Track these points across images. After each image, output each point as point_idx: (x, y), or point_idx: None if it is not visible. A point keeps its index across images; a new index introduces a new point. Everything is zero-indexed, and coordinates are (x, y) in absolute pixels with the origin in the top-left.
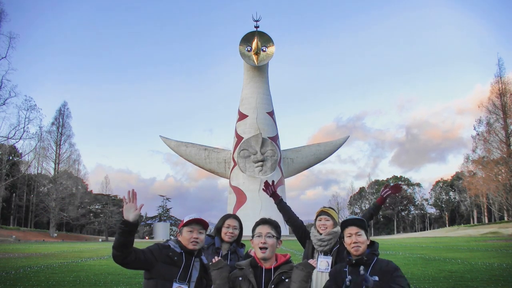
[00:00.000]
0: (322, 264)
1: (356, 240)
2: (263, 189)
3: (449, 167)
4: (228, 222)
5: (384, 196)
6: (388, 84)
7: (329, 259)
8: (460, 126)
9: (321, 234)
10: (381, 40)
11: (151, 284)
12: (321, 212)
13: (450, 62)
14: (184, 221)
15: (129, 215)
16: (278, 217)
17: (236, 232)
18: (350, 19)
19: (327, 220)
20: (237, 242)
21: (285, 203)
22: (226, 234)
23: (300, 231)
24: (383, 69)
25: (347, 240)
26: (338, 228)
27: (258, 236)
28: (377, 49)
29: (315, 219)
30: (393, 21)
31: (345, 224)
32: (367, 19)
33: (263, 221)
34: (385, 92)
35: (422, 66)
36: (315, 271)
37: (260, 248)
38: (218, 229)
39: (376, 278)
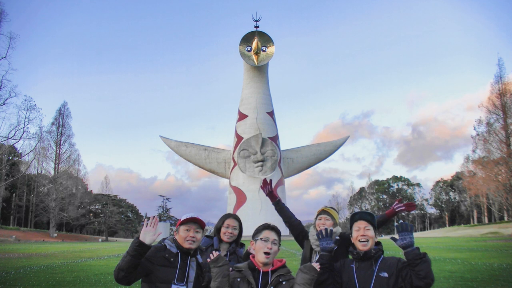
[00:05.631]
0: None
1: (364, 234)
2: (260, 186)
3: (455, 166)
4: (228, 222)
5: (397, 210)
6: (398, 81)
7: None
8: (469, 123)
9: None
10: (390, 36)
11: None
12: (322, 211)
13: (461, 58)
14: (182, 220)
15: (146, 237)
16: (278, 217)
17: (236, 232)
18: (356, 16)
19: (327, 219)
20: (236, 242)
21: (283, 203)
22: (225, 234)
23: (297, 230)
24: (391, 66)
25: (354, 234)
26: (337, 229)
27: (265, 240)
28: (385, 46)
29: (315, 218)
30: (402, 17)
31: (354, 218)
32: (374, 15)
33: (271, 227)
34: (394, 89)
35: (433, 63)
36: None
37: (265, 253)
38: (218, 229)
39: (386, 274)
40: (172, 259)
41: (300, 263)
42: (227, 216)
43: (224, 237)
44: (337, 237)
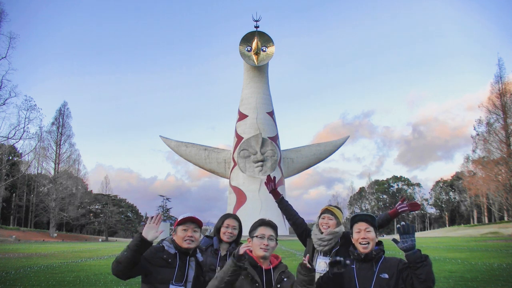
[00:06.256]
0: (321, 265)
1: (365, 236)
2: (265, 182)
3: (455, 166)
4: (228, 222)
5: (400, 211)
6: (398, 81)
7: (327, 260)
8: (470, 123)
9: (322, 233)
10: (391, 36)
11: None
12: (325, 210)
13: (461, 58)
14: (179, 220)
15: (149, 234)
16: (278, 217)
17: (236, 232)
18: (357, 16)
19: (330, 219)
20: (236, 242)
21: (287, 201)
22: (225, 234)
23: (301, 228)
24: (392, 66)
25: (355, 236)
26: (340, 228)
27: (261, 237)
28: (385, 46)
29: (319, 217)
30: (402, 17)
31: (355, 219)
32: (374, 15)
33: (266, 223)
34: (394, 89)
35: (433, 63)
36: None
37: (261, 249)
38: (217, 229)
39: (386, 275)
40: (170, 260)
41: None
42: (226, 216)
43: (224, 237)
44: (340, 258)
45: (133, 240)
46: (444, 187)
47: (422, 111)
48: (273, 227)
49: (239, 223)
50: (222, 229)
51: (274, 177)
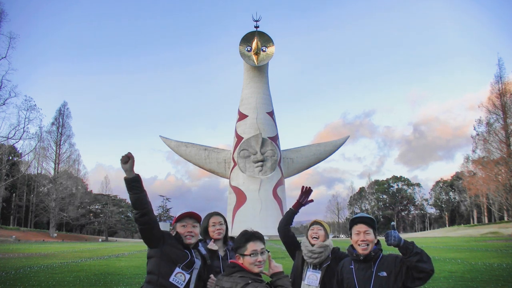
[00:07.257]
0: (310, 278)
1: (364, 239)
2: (303, 186)
3: (456, 166)
4: (212, 220)
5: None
6: (399, 81)
7: (317, 274)
8: (471, 122)
9: (313, 245)
10: (391, 36)
11: (153, 262)
12: (314, 223)
13: (462, 58)
14: (177, 217)
15: (126, 173)
16: (276, 217)
17: (223, 227)
18: (357, 15)
19: (320, 229)
20: (226, 238)
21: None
22: (214, 232)
23: (291, 240)
24: (393, 65)
25: (354, 238)
26: (329, 242)
27: (254, 255)
28: (386, 46)
29: (308, 229)
30: (403, 17)
31: (354, 221)
32: (375, 15)
33: (254, 237)
34: (395, 89)
35: (434, 63)
36: (302, 284)
37: (257, 266)
38: (205, 229)
39: (385, 273)
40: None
41: (291, 273)
42: (209, 215)
43: (215, 235)
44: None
45: (126, 187)
46: (444, 187)
47: (423, 111)
48: (261, 238)
49: (223, 218)
50: (210, 228)
51: (312, 200)
